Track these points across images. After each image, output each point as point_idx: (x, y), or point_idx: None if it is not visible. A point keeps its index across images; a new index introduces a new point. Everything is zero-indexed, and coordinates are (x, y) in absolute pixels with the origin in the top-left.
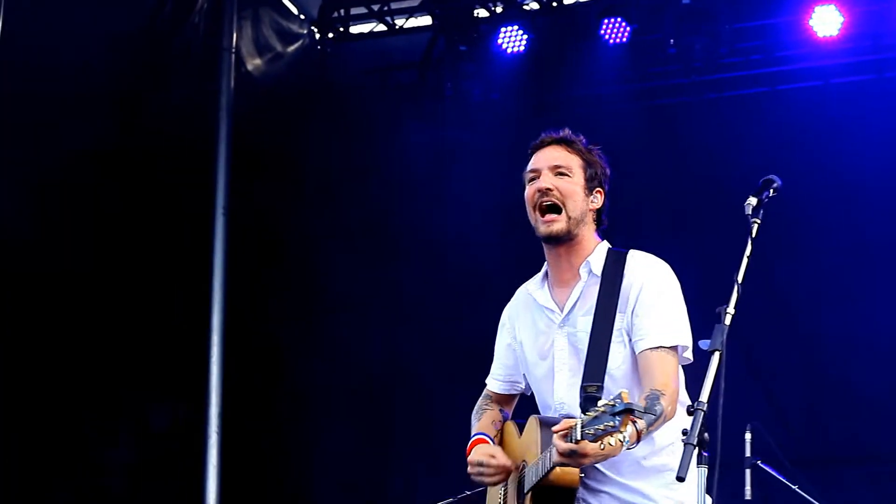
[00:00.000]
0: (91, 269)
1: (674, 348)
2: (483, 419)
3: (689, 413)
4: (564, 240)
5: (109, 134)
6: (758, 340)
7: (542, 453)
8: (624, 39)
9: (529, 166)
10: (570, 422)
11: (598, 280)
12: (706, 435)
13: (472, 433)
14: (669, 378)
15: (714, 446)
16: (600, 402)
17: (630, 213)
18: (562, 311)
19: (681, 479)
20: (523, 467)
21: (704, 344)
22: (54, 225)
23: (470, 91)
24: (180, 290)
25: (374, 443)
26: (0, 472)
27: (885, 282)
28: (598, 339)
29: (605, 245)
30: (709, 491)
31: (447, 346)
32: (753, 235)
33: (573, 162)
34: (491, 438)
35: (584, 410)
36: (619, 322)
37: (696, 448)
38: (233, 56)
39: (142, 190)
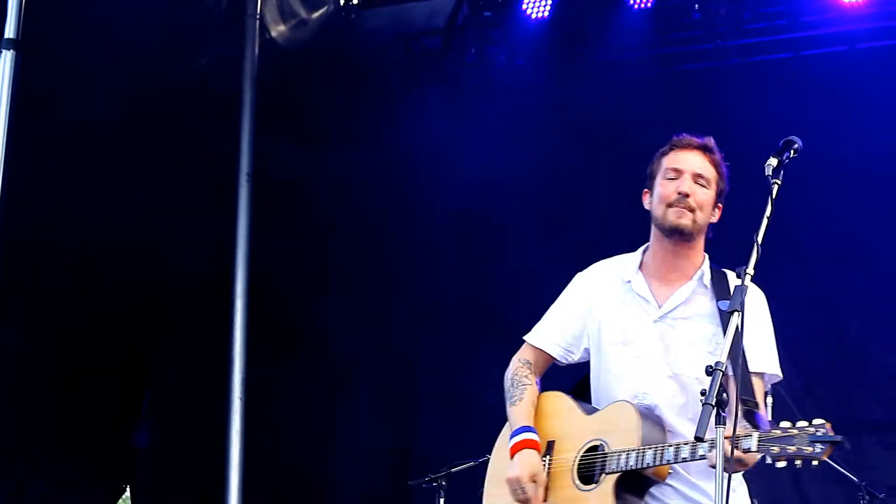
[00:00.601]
0: (115, 234)
1: (762, 375)
2: (525, 397)
3: (708, 374)
4: (685, 238)
5: (134, 100)
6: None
7: (642, 443)
8: (648, 5)
9: (670, 163)
10: (742, 431)
11: (707, 291)
12: (725, 395)
13: (519, 421)
14: (762, 404)
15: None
16: (793, 423)
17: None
18: (659, 307)
19: (699, 439)
20: (595, 447)
21: (724, 304)
22: (77, 188)
23: (494, 57)
24: (205, 255)
25: (397, 409)
26: None
27: None
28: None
29: (708, 259)
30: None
31: (470, 308)
32: (774, 196)
33: (711, 174)
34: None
35: (748, 421)
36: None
37: (715, 408)
38: (257, 22)
39: (166, 156)
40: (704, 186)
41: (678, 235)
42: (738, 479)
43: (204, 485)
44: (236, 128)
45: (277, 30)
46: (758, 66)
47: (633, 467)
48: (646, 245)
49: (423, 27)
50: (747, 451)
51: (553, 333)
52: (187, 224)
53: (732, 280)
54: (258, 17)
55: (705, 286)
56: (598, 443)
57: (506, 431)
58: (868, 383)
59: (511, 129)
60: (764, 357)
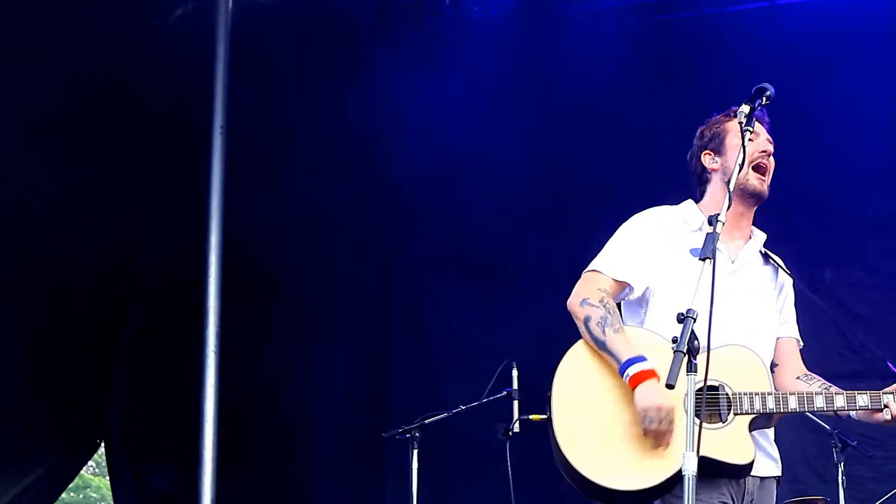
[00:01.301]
0: (87, 189)
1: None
2: (624, 335)
3: (679, 321)
4: (757, 200)
5: (107, 53)
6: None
7: (774, 389)
8: None
9: (753, 126)
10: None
11: (761, 255)
12: (696, 342)
13: (627, 350)
14: None
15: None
16: None
17: (631, 125)
18: (732, 262)
19: (670, 385)
20: (718, 387)
21: (696, 252)
22: (50, 145)
23: (469, 8)
24: (179, 210)
25: (372, 362)
26: None
27: (884, 193)
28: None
29: None
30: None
31: (446, 262)
32: (745, 143)
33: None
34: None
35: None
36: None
37: (686, 356)
38: None
39: (140, 109)
40: (772, 156)
41: (755, 199)
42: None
43: (179, 439)
44: (210, 81)
45: None
46: (732, 16)
47: (774, 410)
48: (690, 200)
49: None
50: None
51: (636, 264)
52: (161, 179)
53: (772, 255)
54: None
55: (761, 250)
56: (717, 383)
57: (579, 352)
58: (842, 333)
59: (488, 80)
60: (796, 326)
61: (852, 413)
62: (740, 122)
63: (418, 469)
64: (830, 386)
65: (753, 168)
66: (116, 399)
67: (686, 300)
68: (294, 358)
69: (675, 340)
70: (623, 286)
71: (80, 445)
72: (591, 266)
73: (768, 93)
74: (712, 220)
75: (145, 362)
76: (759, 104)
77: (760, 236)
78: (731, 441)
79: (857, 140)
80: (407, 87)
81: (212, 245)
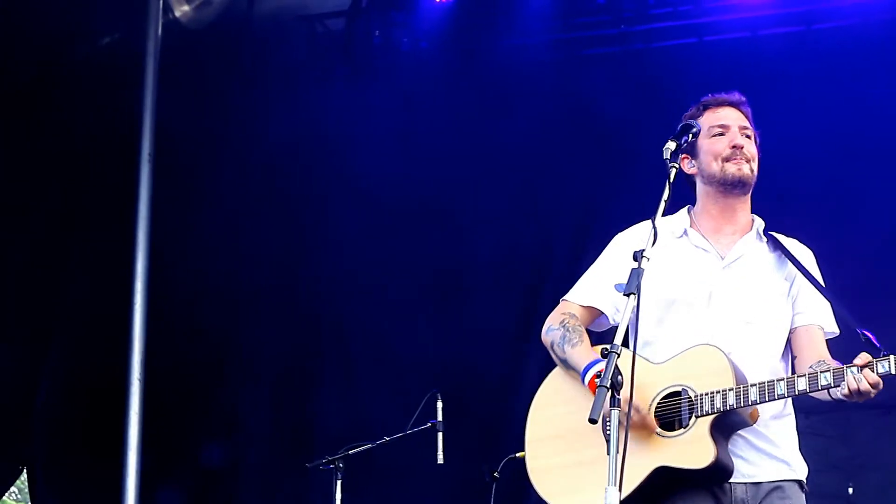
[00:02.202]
0: (12, 213)
1: (822, 329)
2: (585, 341)
3: (603, 356)
4: (744, 189)
5: (33, 79)
6: None
7: (736, 383)
8: None
9: (716, 120)
10: (868, 357)
11: (764, 244)
12: (619, 377)
13: (582, 359)
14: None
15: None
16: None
17: (558, 160)
18: (722, 258)
19: (592, 420)
20: (675, 393)
21: (620, 287)
22: None
23: (399, 40)
24: (104, 236)
25: (298, 389)
26: None
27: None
28: (805, 297)
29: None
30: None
31: (373, 288)
32: (671, 179)
33: (751, 129)
34: None
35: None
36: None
37: (609, 391)
38: (160, 2)
39: (65, 137)
40: (749, 138)
41: (740, 187)
42: (794, 428)
43: (103, 467)
44: (138, 108)
45: (181, 10)
46: (661, 51)
47: (734, 406)
48: (687, 207)
49: (327, 9)
50: (885, 375)
51: (601, 290)
52: (88, 205)
53: (782, 238)
54: None
55: (762, 238)
56: (678, 388)
57: (551, 380)
58: None
59: (416, 112)
60: (823, 312)
61: (839, 393)
62: (665, 159)
63: (342, 499)
64: (826, 369)
65: (724, 160)
66: (39, 424)
67: (680, 310)
68: (218, 386)
69: (598, 375)
70: (594, 312)
71: (2, 472)
72: (565, 296)
73: (694, 129)
74: (637, 256)
75: (69, 388)
76: (685, 141)
77: (760, 224)
78: (689, 446)
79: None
80: (336, 117)
81: (138, 272)
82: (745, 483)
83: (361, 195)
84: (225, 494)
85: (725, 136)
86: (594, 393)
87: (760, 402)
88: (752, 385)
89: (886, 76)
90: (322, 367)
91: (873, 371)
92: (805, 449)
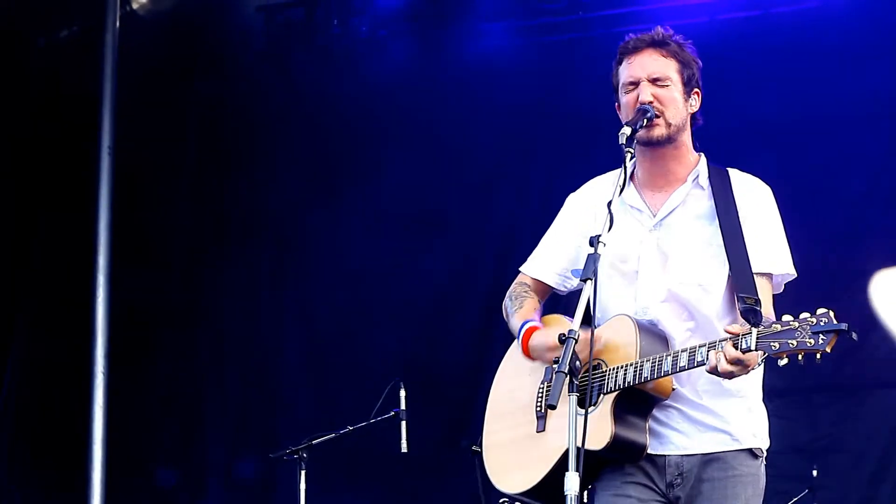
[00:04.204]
0: None
1: (769, 276)
2: (525, 307)
3: (561, 341)
4: (664, 143)
5: None
6: None
7: (641, 357)
8: None
9: (625, 76)
10: (740, 329)
11: (705, 191)
12: (577, 363)
13: (520, 321)
14: (770, 307)
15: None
16: (796, 316)
17: (519, 146)
18: (654, 215)
19: (552, 406)
20: (595, 367)
21: (577, 273)
22: None
23: (358, 28)
24: (66, 228)
25: (263, 379)
26: None
27: None
28: (735, 249)
29: (704, 158)
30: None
31: (339, 279)
32: (626, 163)
33: (670, 68)
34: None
35: (746, 320)
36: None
37: (567, 376)
38: None
39: (27, 129)
40: (667, 86)
41: (656, 145)
42: (754, 398)
43: (67, 463)
44: (97, 101)
45: (139, 2)
46: (620, 36)
47: (631, 383)
48: (633, 159)
49: None
50: (746, 350)
51: (548, 261)
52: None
53: (734, 177)
54: None
55: (701, 187)
56: (596, 362)
57: (505, 363)
58: None
59: (375, 100)
60: (770, 255)
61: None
62: (621, 144)
63: (306, 490)
64: (711, 341)
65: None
66: (3, 422)
67: (612, 276)
68: (183, 379)
69: (556, 361)
70: (543, 285)
71: None
72: (522, 266)
73: (648, 114)
74: (593, 241)
75: (32, 384)
76: (640, 126)
77: (702, 171)
78: (593, 424)
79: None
80: (297, 105)
81: (100, 265)
82: (679, 455)
83: (323, 186)
84: (191, 486)
85: (633, 92)
86: (526, 353)
87: (653, 378)
88: (646, 361)
89: (844, 58)
90: (286, 357)
91: (736, 347)
92: (768, 432)
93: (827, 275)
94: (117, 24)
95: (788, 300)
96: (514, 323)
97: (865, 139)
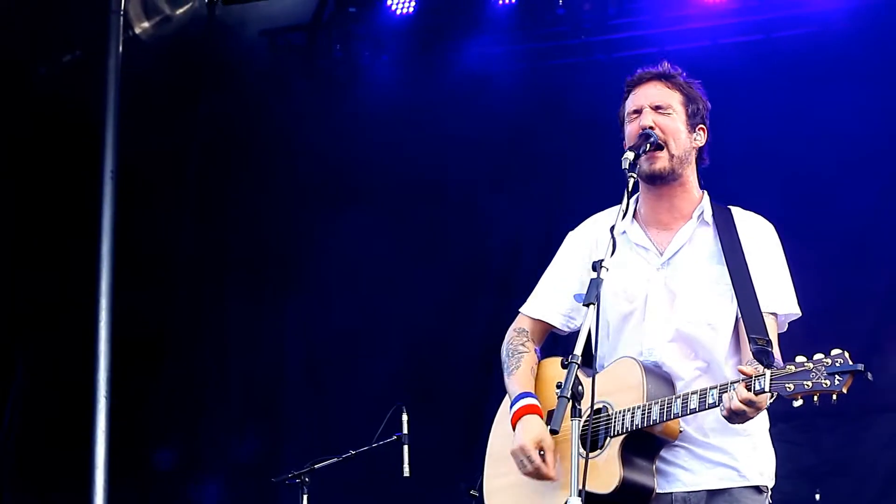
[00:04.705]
0: None
1: (776, 315)
2: (523, 366)
3: (563, 366)
4: (668, 179)
5: None
6: None
7: (648, 400)
8: (513, 1)
9: (629, 106)
10: (752, 370)
11: (710, 228)
12: (580, 388)
13: (516, 389)
14: (777, 347)
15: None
16: (809, 357)
17: (523, 167)
18: (660, 254)
19: (554, 431)
20: (599, 410)
21: (579, 297)
22: None
23: (360, 53)
24: (69, 253)
25: (265, 403)
26: None
27: None
28: (744, 288)
29: (707, 195)
30: (582, 442)
31: (343, 308)
32: (629, 189)
33: (674, 99)
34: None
35: (759, 361)
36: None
37: (570, 401)
38: (121, 19)
39: (30, 154)
40: (669, 114)
41: (660, 181)
42: (760, 436)
43: (70, 485)
44: (100, 126)
45: (141, 26)
46: (622, 61)
47: (640, 426)
48: (636, 193)
49: (288, 23)
50: (760, 392)
51: (550, 300)
52: (51, 223)
53: (738, 215)
54: (122, 13)
55: (707, 223)
56: (601, 405)
57: (505, 404)
58: None
59: (376, 125)
60: (777, 295)
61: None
62: (624, 169)
63: None
64: (723, 384)
65: (636, 153)
66: (5, 442)
67: (618, 316)
68: (184, 404)
69: (559, 386)
70: (545, 325)
71: None
72: (521, 307)
73: (652, 139)
74: (595, 266)
75: (35, 405)
76: (643, 151)
77: (706, 207)
78: (600, 468)
79: (739, 183)
80: (297, 129)
81: (102, 290)
82: (685, 492)
83: (325, 206)
84: None
85: (636, 120)
86: (514, 428)
87: (662, 421)
88: (654, 404)
89: (846, 81)
90: (289, 382)
91: (749, 389)
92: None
93: (831, 298)
94: (120, 49)
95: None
96: (510, 386)
97: (869, 161)
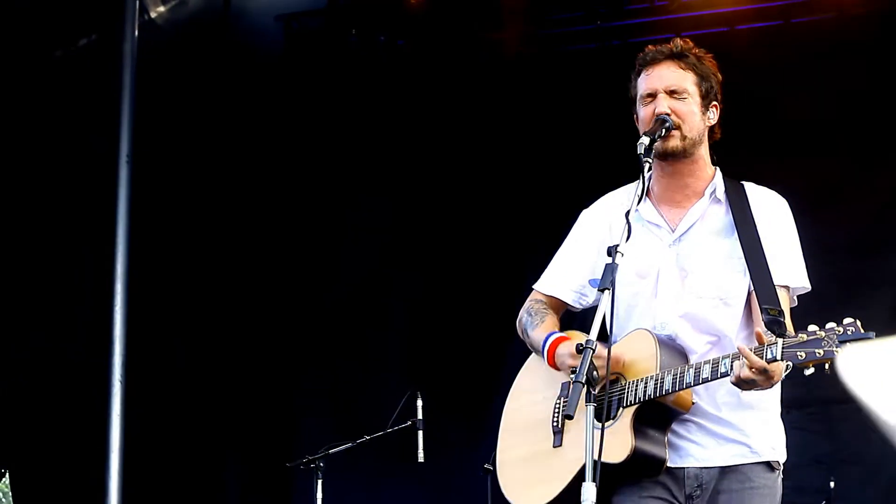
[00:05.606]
0: None
1: (788, 288)
2: (547, 321)
3: (578, 351)
4: (680, 157)
5: (13, 82)
6: None
7: (660, 370)
8: None
9: (643, 88)
10: (765, 338)
11: (722, 204)
12: (594, 373)
13: (543, 334)
14: (790, 318)
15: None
16: (821, 326)
17: (537, 154)
18: (672, 231)
19: (568, 416)
20: (613, 381)
21: (595, 282)
22: None
23: (376, 37)
24: (85, 237)
25: (281, 388)
26: None
27: None
28: (756, 261)
29: (719, 171)
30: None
31: (350, 297)
32: (645, 174)
33: (688, 80)
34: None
35: (771, 331)
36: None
37: (585, 386)
38: (136, 3)
39: (46, 137)
40: (684, 98)
41: (672, 157)
42: (773, 410)
43: (85, 469)
44: (116, 110)
45: (157, 10)
46: (638, 47)
47: (652, 396)
48: (650, 171)
49: (304, 8)
50: (772, 360)
51: (563, 277)
52: (67, 206)
53: (751, 191)
54: None
55: (719, 200)
56: (614, 376)
57: (523, 372)
58: None
59: (393, 108)
60: (788, 268)
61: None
62: (639, 154)
63: (323, 499)
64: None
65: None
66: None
67: (631, 292)
68: (200, 387)
69: (573, 371)
70: (558, 301)
71: None
72: (535, 284)
73: (667, 124)
74: (611, 251)
75: (47, 390)
76: (658, 136)
77: (719, 184)
78: (612, 438)
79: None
80: (313, 114)
81: (118, 274)
82: (698, 468)
83: (341, 193)
84: (209, 495)
85: (651, 104)
86: (552, 364)
87: (675, 391)
88: (667, 374)
89: (863, 67)
90: (306, 366)
91: (761, 357)
92: (786, 444)
93: (845, 282)
94: (136, 33)
95: (803, 309)
96: (537, 335)
97: (888, 146)
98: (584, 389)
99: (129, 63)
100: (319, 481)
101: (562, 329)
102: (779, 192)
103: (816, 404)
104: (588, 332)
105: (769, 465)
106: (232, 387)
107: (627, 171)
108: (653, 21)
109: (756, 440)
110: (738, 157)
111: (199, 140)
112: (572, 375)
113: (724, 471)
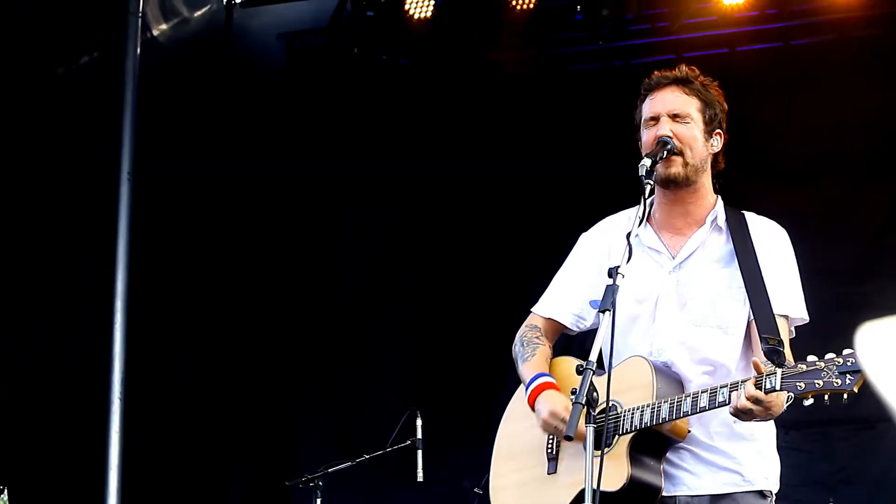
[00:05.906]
0: None
1: (787, 318)
2: (537, 355)
3: (578, 373)
4: (682, 185)
5: (14, 99)
6: None
7: (657, 398)
8: (531, 6)
9: (647, 111)
10: (763, 368)
11: (723, 233)
12: (595, 394)
13: (530, 372)
14: (789, 349)
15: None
16: (820, 356)
17: (538, 173)
18: (673, 257)
19: (568, 437)
20: (609, 408)
21: (595, 304)
22: None
23: (377, 56)
24: (86, 255)
25: (280, 406)
26: None
27: None
28: (756, 291)
29: (721, 200)
30: (597, 449)
31: (353, 311)
32: (646, 195)
33: (692, 106)
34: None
35: (770, 360)
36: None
37: (585, 407)
38: (139, 20)
39: (48, 155)
40: (687, 123)
41: (674, 185)
42: (766, 442)
43: (83, 486)
44: (118, 127)
45: (159, 28)
46: (641, 67)
47: (649, 424)
48: (651, 196)
49: (306, 26)
50: (771, 390)
51: (562, 300)
52: (68, 224)
53: (752, 220)
54: (140, 14)
55: (720, 228)
56: (610, 403)
57: (513, 402)
58: None
59: (394, 126)
60: (788, 298)
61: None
62: (640, 176)
63: None
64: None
65: (653, 157)
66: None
67: (629, 317)
68: (200, 403)
69: (573, 392)
70: (556, 324)
71: None
72: (533, 307)
73: (669, 146)
74: (611, 272)
75: (47, 391)
76: (660, 157)
77: (720, 212)
78: (608, 466)
79: (763, 188)
80: (314, 133)
81: (118, 291)
82: (689, 496)
83: (345, 210)
84: None
85: (654, 127)
86: (532, 408)
87: (671, 419)
88: (664, 402)
89: (863, 89)
90: (304, 385)
91: (760, 387)
92: (785, 464)
93: (842, 309)
94: (138, 50)
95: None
96: (525, 372)
97: (888, 168)
98: (584, 411)
99: (130, 80)
100: (318, 500)
101: (557, 354)
102: (776, 214)
103: (816, 425)
104: (588, 354)
105: (761, 494)
106: (232, 403)
107: (629, 190)
108: (655, 42)
109: (749, 469)
110: (736, 179)
111: (201, 156)
112: (572, 397)
113: (716, 499)
